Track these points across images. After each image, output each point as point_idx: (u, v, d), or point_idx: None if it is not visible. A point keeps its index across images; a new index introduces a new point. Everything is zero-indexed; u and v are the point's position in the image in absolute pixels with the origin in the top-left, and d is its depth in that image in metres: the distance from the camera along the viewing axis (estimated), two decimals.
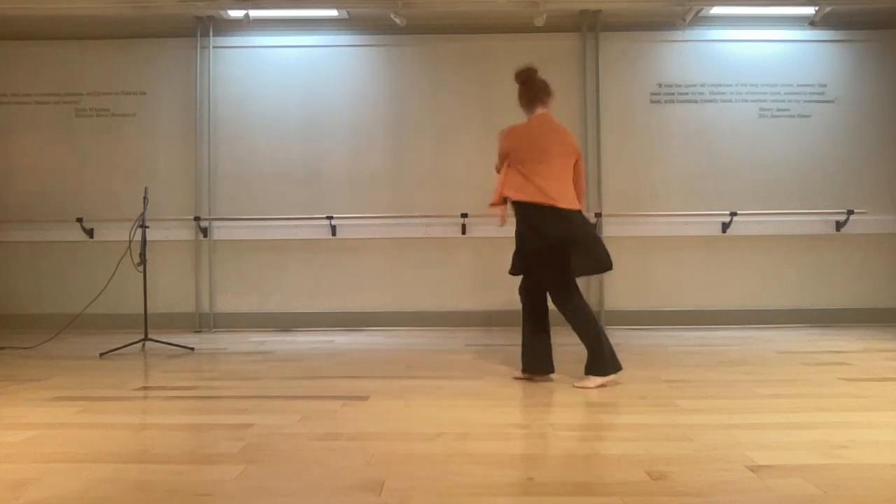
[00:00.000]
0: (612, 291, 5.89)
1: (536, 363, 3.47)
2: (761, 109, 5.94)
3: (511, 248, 6.19)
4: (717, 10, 5.69)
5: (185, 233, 5.99)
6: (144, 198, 4.77)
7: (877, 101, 5.95)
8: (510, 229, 6.05)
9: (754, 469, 1.98)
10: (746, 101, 5.95)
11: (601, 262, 3.36)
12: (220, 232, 6.01)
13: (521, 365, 3.54)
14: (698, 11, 5.64)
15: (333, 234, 5.93)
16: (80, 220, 5.91)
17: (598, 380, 3.25)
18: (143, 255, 4.61)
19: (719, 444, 2.25)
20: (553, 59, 6.04)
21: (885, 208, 5.91)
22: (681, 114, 5.96)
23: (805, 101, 5.94)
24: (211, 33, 6.00)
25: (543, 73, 6.01)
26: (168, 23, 5.89)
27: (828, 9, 5.50)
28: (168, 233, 5.93)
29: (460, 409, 2.82)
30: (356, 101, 6.04)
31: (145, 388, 3.41)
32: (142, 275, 4.71)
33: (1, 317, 5.95)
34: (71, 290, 5.86)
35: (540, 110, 3.81)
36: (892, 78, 5.96)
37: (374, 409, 2.86)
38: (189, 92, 6.04)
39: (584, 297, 3.50)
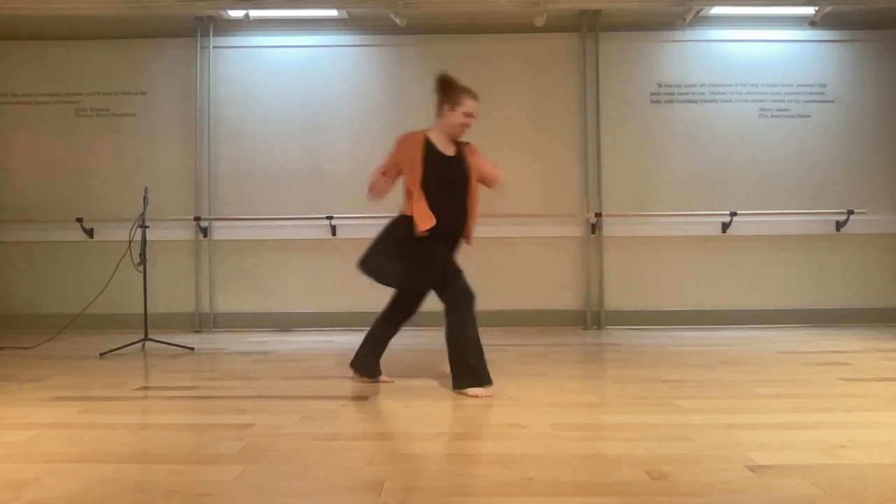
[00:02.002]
0: (612, 291, 5.90)
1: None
2: (761, 109, 5.94)
3: (511, 249, 6.20)
4: (717, 10, 5.69)
5: (185, 233, 6.00)
6: (144, 198, 4.77)
7: (877, 101, 5.95)
8: (506, 229, 6.07)
9: (754, 469, 1.98)
10: (746, 101, 5.96)
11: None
12: (220, 232, 6.01)
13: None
14: (698, 11, 5.64)
15: (333, 234, 5.93)
16: (80, 220, 5.91)
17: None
18: (143, 255, 4.61)
19: (719, 444, 2.25)
20: (553, 59, 6.04)
21: (885, 208, 5.91)
22: (681, 114, 5.96)
23: (805, 101, 5.95)
24: (211, 33, 6.00)
25: (543, 73, 6.06)
26: (168, 23, 5.90)
27: (828, 9, 5.50)
28: (168, 233, 5.93)
29: (460, 409, 2.82)
30: (356, 101, 6.04)
31: (145, 388, 3.41)
32: (142, 275, 4.71)
33: (1, 317, 5.95)
34: (71, 290, 5.86)
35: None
36: (892, 78, 5.96)
37: (374, 409, 2.87)
38: (189, 92, 6.04)
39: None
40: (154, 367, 4.06)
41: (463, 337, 3.09)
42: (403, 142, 3.36)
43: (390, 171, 3.41)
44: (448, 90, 3.29)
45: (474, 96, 3.27)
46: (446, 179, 3.26)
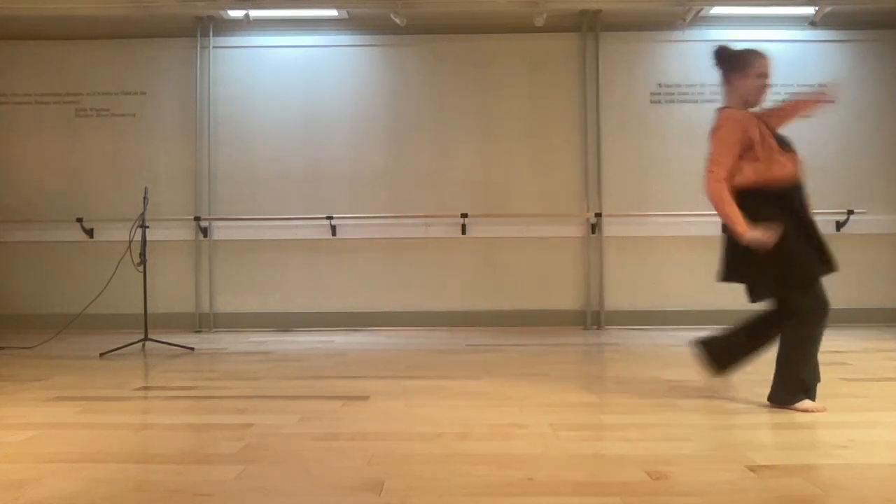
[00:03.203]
0: (612, 291, 5.89)
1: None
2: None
3: (511, 249, 6.18)
4: (717, 10, 5.69)
5: (185, 233, 5.99)
6: (144, 198, 4.77)
7: (877, 101, 5.95)
8: (506, 229, 6.06)
9: (754, 469, 1.97)
10: None
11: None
12: (220, 232, 6.01)
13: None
14: (698, 11, 5.64)
15: (333, 234, 5.93)
16: (80, 220, 5.91)
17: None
18: (143, 255, 4.61)
19: (719, 444, 2.25)
20: (553, 59, 6.04)
21: (885, 208, 5.91)
22: (681, 114, 5.96)
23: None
24: (211, 33, 6.00)
25: (543, 73, 6.06)
26: (168, 23, 5.89)
27: (828, 9, 5.50)
28: (168, 233, 5.93)
29: (460, 409, 2.82)
30: (356, 101, 6.04)
31: (145, 388, 3.41)
32: (142, 275, 4.71)
33: (1, 317, 5.95)
34: (71, 290, 5.85)
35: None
36: (892, 78, 5.96)
37: (374, 409, 2.86)
38: (189, 92, 6.04)
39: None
40: (154, 367, 4.06)
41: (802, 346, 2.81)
42: (738, 121, 2.84)
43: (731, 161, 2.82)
44: (730, 57, 2.94)
45: (762, 53, 2.90)
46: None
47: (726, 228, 2.86)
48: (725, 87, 2.96)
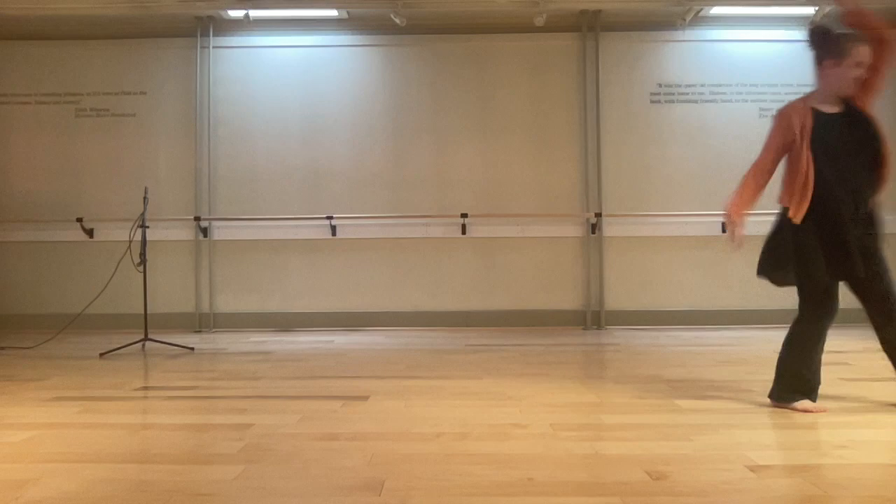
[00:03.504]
0: (611, 291, 5.89)
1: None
2: (761, 109, 5.94)
3: (511, 249, 6.17)
4: (717, 10, 5.69)
5: (185, 233, 6.00)
6: (144, 198, 4.78)
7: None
8: (506, 229, 6.05)
9: (754, 469, 1.97)
10: (746, 101, 5.95)
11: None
12: (220, 232, 6.01)
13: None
14: (698, 11, 5.64)
15: (333, 234, 5.93)
16: (80, 220, 5.91)
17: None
18: (143, 255, 4.61)
19: (719, 444, 2.24)
20: (553, 59, 6.04)
21: (886, 208, 5.89)
22: (681, 114, 5.96)
23: None
24: (211, 33, 6.00)
25: (544, 73, 6.06)
26: (168, 23, 5.90)
27: (828, 9, 5.50)
28: (168, 233, 5.93)
29: (460, 409, 2.82)
30: (356, 101, 6.04)
31: (145, 388, 3.41)
32: (142, 275, 4.71)
33: (1, 317, 5.95)
34: (71, 290, 5.86)
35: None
36: (892, 78, 5.95)
37: (374, 409, 2.86)
38: (189, 92, 6.04)
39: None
40: (154, 367, 4.06)
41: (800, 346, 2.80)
42: (783, 116, 2.87)
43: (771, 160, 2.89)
44: (827, 42, 2.77)
45: (862, 40, 2.72)
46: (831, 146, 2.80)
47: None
48: (817, 71, 2.80)
